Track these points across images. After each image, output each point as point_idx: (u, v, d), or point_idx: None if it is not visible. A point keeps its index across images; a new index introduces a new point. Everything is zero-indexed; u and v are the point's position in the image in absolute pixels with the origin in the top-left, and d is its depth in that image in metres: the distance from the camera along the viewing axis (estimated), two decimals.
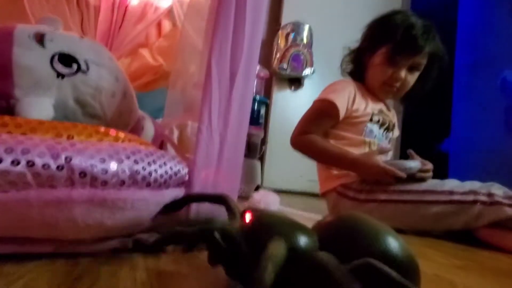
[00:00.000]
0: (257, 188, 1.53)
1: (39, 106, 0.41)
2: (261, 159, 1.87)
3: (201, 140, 0.44)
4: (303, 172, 1.84)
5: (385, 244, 0.25)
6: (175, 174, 0.40)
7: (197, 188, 0.43)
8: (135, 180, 0.33)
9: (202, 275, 0.32)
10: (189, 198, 0.40)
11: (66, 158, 0.28)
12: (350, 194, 0.89)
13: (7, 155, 0.26)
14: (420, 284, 0.26)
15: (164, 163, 0.38)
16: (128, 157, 0.33)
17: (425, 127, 2.03)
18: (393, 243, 0.25)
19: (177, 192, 0.41)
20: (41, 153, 0.27)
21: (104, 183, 0.31)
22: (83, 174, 0.29)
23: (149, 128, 0.63)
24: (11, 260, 0.30)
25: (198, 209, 0.43)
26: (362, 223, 0.27)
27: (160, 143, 0.62)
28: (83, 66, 0.45)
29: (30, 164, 0.27)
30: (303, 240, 0.25)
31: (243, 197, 1.21)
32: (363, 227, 0.26)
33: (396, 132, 1.06)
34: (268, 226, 0.26)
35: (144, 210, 0.35)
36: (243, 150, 0.51)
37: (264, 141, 1.94)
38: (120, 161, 0.32)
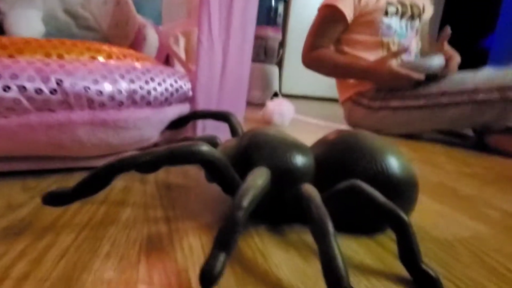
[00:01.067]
0: (275, 95, 1.51)
1: (27, 20, 0.39)
2: (279, 64, 1.79)
3: (202, 53, 0.41)
4: (323, 77, 1.77)
5: (382, 165, 0.24)
6: (177, 90, 0.39)
7: (201, 104, 0.42)
8: (134, 100, 0.33)
9: (206, 189, 0.34)
10: (192, 115, 0.40)
11: (57, 81, 0.28)
12: (364, 102, 0.86)
13: None
14: (415, 204, 0.26)
15: (163, 80, 0.37)
16: (122, 77, 0.32)
17: (469, 19, 1.80)
18: (392, 163, 0.25)
19: (182, 108, 0.41)
20: (30, 77, 0.27)
21: (102, 105, 0.31)
22: (78, 96, 0.29)
23: (152, 37, 0.59)
24: (33, 175, 0.33)
25: (204, 126, 0.44)
26: (362, 142, 0.26)
27: (166, 56, 0.60)
28: None
29: (22, 89, 0.26)
30: (297, 160, 0.25)
31: (259, 104, 1.21)
32: (362, 146, 0.26)
33: (428, 12, 0.91)
34: (261, 146, 0.25)
35: (148, 128, 0.36)
36: (249, 62, 0.48)
37: (282, 44, 1.81)
38: (114, 82, 0.31)
